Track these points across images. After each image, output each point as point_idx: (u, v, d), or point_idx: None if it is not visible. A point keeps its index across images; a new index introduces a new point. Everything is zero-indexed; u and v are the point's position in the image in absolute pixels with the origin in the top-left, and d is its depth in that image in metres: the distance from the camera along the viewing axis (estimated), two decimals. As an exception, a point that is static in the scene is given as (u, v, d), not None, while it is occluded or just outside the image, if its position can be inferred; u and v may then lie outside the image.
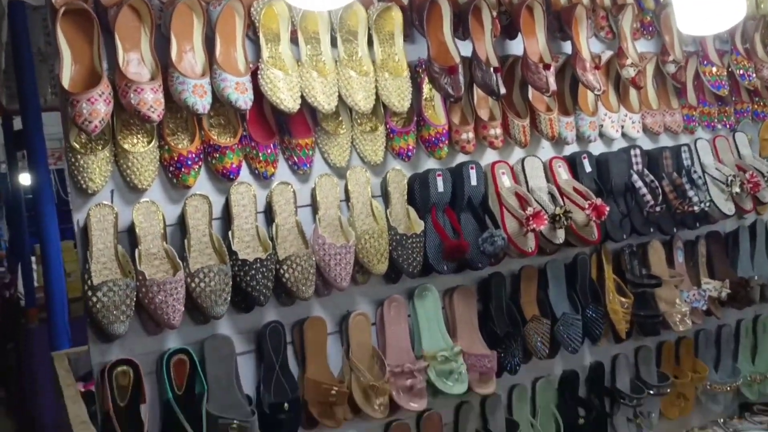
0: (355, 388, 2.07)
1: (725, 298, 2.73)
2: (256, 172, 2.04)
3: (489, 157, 2.41)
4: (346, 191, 2.15)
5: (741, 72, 2.89)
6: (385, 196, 2.21)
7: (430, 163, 2.31)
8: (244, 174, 2.04)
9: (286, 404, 1.95)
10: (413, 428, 2.24)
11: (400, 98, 2.14)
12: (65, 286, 4.77)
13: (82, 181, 1.82)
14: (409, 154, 2.23)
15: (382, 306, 2.21)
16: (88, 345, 1.86)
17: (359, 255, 2.07)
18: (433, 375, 2.17)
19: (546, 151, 2.53)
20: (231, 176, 1.97)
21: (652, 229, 2.60)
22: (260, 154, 2.03)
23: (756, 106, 2.99)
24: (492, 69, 2.21)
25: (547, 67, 2.31)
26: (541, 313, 2.41)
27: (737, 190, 2.70)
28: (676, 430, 2.75)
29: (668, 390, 2.66)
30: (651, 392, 2.62)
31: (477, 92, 2.35)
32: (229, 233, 1.95)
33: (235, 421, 1.85)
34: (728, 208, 2.73)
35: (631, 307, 2.54)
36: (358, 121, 2.19)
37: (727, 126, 2.91)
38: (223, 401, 1.91)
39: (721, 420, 2.83)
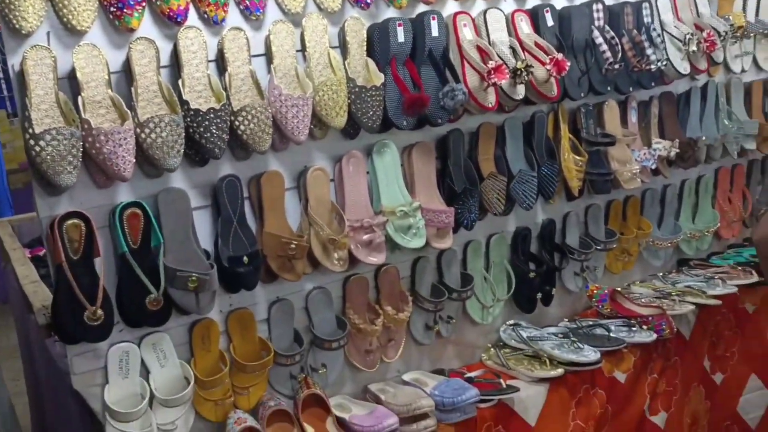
0: (314, 243, 2.06)
1: (674, 157, 2.80)
2: (206, 16, 1.90)
3: (450, 7, 2.31)
4: (302, 40, 2.04)
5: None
6: (343, 46, 2.11)
7: (389, 13, 2.20)
8: (193, 18, 1.90)
9: (245, 257, 1.93)
10: (371, 281, 2.27)
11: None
12: (2, 155, 4.54)
13: (14, 20, 1.66)
14: (368, 1, 2.11)
15: (340, 161, 2.17)
16: (32, 213, 1.77)
17: (317, 107, 2.00)
18: (392, 230, 2.17)
19: (508, 3, 2.43)
20: (178, 19, 1.83)
21: (609, 88, 2.59)
22: (209, -4, 1.88)
23: (717, -36, 2.93)
24: None
25: None
26: (498, 171, 2.41)
27: (694, 48, 2.70)
28: (619, 283, 2.88)
29: (614, 246, 2.76)
30: (598, 248, 2.71)
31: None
32: (179, 81, 1.84)
33: (193, 274, 1.83)
34: (684, 67, 2.73)
35: (584, 165, 2.57)
36: (314, -37, 2.04)
37: (688, -17, 2.85)
38: (180, 255, 1.87)
39: (661, 274, 2.98)
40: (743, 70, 3.08)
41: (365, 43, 2.12)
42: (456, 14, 2.27)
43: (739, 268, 2.92)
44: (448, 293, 2.36)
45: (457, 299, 2.39)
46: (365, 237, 2.13)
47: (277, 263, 2.02)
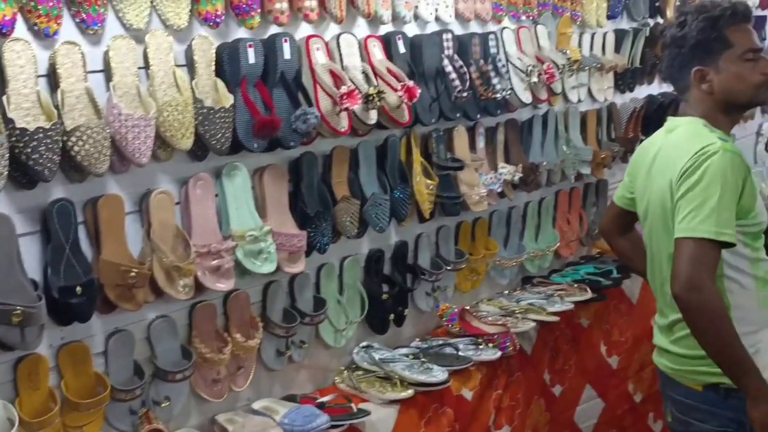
0: (157, 270, 1.96)
1: (518, 181, 2.94)
2: (36, 28, 1.76)
3: (304, 30, 2.29)
4: (146, 57, 1.94)
5: (546, -35, 2.99)
6: (191, 65, 2.03)
7: (240, 33, 2.15)
8: (21, 30, 1.75)
9: (78, 287, 1.80)
10: (220, 308, 2.20)
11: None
12: None
13: None
14: (218, 20, 2.05)
15: (187, 184, 2.08)
16: None
17: (161, 128, 1.90)
18: (241, 254, 2.12)
19: (361, 29, 2.46)
20: (3, 30, 1.68)
21: (458, 114, 2.69)
22: (40, 7, 1.74)
23: (557, 1, 3.13)
24: (309, -67, 2.06)
25: (366, -63, 2.21)
26: (351, 194, 2.42)
27: (535, 79, 2.86)
28: (468, 301, 2.98)
29: (464, 266, 2.86)
30: (448, 268, 2.80)
31: (292, -42, 2.19)
32: (4, 98, 1.69)
33: (18, 308, 1.68)
34: (526, 96, 2.89)
35: (435, 188, 2.64)
36: (159, -23, 1.95)
37: (531, 17, 3.03)
38: (3, 286, 1.71)
39: (506, 291, 3.12)
40: (579, 100, 3.30)
41: (214, 63, 2.05)
42: (309, 38, 2.26)
43: (575, 285, 3.12)
44: (300, 318, 2.33)
45: (309, 323, 2.37)
46: (213, 263, 2.05)
47: (116, 292, 1.90)
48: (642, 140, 3.51)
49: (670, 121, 1.91)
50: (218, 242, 2.08)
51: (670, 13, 3.72)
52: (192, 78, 2.01)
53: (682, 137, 1.80)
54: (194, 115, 1.96)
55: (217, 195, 2.15)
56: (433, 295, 2.79)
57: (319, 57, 2.28)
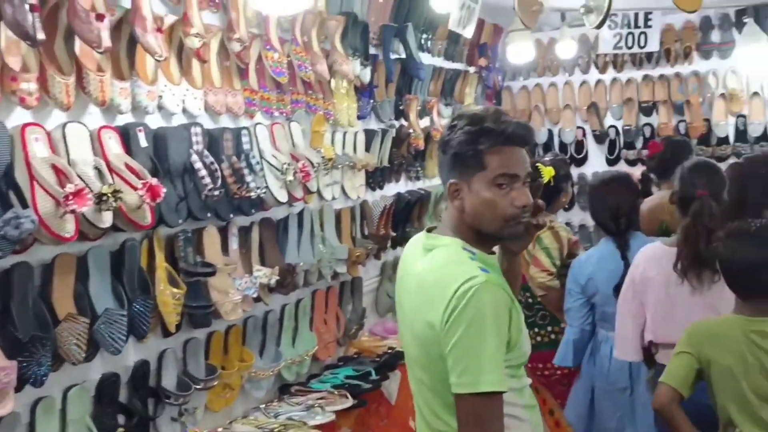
0: None
1: (274, 284, 2.75)
2: None
3: (18, 116, 1.91)
4: None
5: (299, 63, 2.94)
6: None
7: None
8: None
9: None
10: None
11: None
12: None
13: None
14: None
15: None
16: None
17: None
18: None
19: (94, 117, 2.14)
20: None
21: (209, 214, 2.45)
22: None
23: (309, 99, 3.09)
24: (28, 5, 1.74)
25: (100, 17, 1.93)
26: (78, 311, 2.02)
27: (291, 178, 2.74)
28: (221, 421, 2.66)
29: (215, 382, 2.55)
30: (198, 387, 2.47)
31: (5, 33, 1.83)
32: None
33: None
34: (282, 195, 2.75)
35: (182, 297, 2.34)
36: None
37: (284, 114, 2.94)
38: None
39: (263, 405, 2.86)
40: (334, 198, 3.26)
41: None
42: (25, 126, 1.88)
43: (336, 392, 2.96)
44: (5, 473, 1.83)
45: (18, 478, 1.88)
46: None
47: None
48: (393, 237, 3.64)
49: (428, 238, 1.68)
50: None
51: (413, 116, 3.93)
52: None
53: (441, 264, 1.59)
54: None
55: None
56: (180, 420, 2.43)
57: (39, 149, 1.91)
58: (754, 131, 4.88)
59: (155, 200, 2.11)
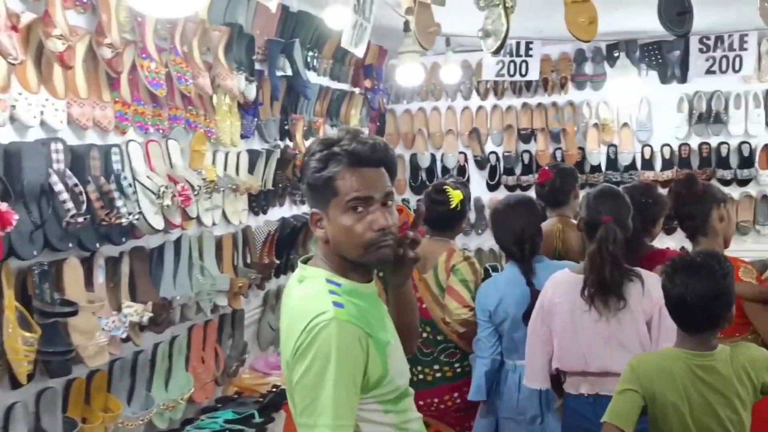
0: None
1: (146, 322, 2.44)
2: None
3: None
4: None
5: (178, 74, 2.67)
6: None
7: None
8: None
9: None
10: None
11: None
12: None
13: None
14: None
15: None
16: None
17: None
18: None
19: (-73, 129, 1.77)
20: None
21: (71, 244, 2.13)
22: None
23: (189, 115, 2.82)
24: None
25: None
26: None
27: (168, 202, 2.46)
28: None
29: (74, 439, 2.20)
30: (53, 445, 2.11)
31: None
32: None
33: None
34: (157, 221, 2.46)
35: (36, 342, 1.99)
36: None
37: (161, 131, 2.64)
38: None
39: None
40: (214, 224, 2.99)
41: None
42: None
43: (217, 440, 2.68)
44: None
45: None
46: None
47: None
48: (277, 264, 3.40)
49: (302, 269, 1.62)
50: None
51: (299, 136, 3.73)
52: None
53: (301, 297, 1.56)
54: None
55: None
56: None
57: None
58: (624, 160, 5.10)
59: (5, 228, 1.78)
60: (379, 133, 5.30)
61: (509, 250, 2.79)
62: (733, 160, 4.93)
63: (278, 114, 3.58)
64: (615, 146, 5.13)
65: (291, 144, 3.66)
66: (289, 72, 3.57)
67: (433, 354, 2.93)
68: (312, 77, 3.93)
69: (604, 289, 2.32)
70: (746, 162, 4.89)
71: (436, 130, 5.46)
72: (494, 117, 5.36)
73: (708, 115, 4.93)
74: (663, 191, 2.88)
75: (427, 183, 5.14)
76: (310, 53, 3.90)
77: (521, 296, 2.68)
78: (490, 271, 3.15)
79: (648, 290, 2.29)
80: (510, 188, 5.27)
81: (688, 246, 2.78)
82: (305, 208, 3.92)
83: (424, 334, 2.88)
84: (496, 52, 2.62)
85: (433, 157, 5.48)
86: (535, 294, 2.60)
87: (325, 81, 4.16)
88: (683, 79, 4.89)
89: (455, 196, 2.87)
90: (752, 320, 2.41)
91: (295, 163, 3.63)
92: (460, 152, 5.43)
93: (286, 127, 3.64)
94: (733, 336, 2.34)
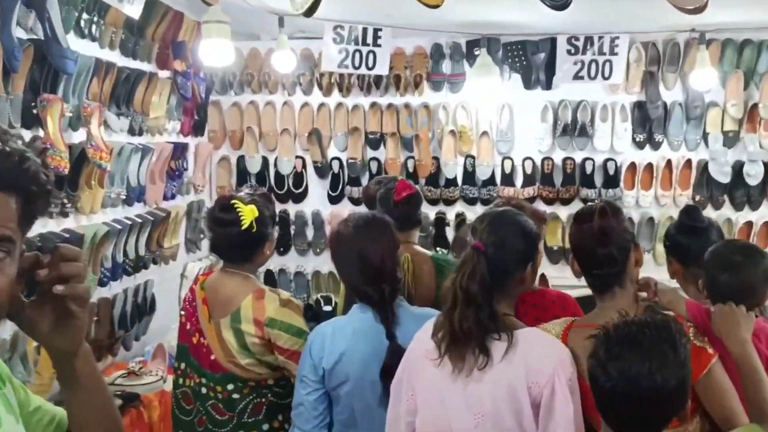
0: None
1: None
2: None
3: None
4: None
5: None
6: None
7: None
8: None
9: None
10: None
11: None
12: None
13: None
14: None
15: None
16: None
17: None
18: None
19: None
20: None
21: None
22: None
23: None
24: None
25: None
26: None
27: None
28: None
29: None
30: None
31: None
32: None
33: None
34: None
35: None
36: None
37: None
38: None
39: None
40: None
41: None
42: None
43: None
44: None
45: None
46: None
47: None
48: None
49: None
50: None
51: (52, 125, 2.72)
52: None
53: None
54: None
55: None
56: None
57: None
58: (483, 174, 4.48)
59: None
60: (198, 129, 4.36)
61: (361, 292, 1.99)
62: (598, 179, 4.46)
63: (20, 91, 2.56)
64: (473, 157, 4.48)
65: (41, 135, 2.65)
66: (41, 35, 2.57)
67: (233, 420, 2.11)
68: (88, 48, 2.95)
69: (454, 337, 1.65)
70: (611, 181, 4.42)
71: (269, 129, 4.58)
72: (338, 117, 4.56)
73: (573, 126, 4.42)
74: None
75: (255, 192, 4.24)
76: (86, 15, 2.91)
77: (372, 352, 1.92)
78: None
79: (522, 356, 1.62)
80: (354, 201, 4.50)
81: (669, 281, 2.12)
82: (70, 223, 2.92)
83: (214, 396, 2.05)
84: (308, 14, 1.81)
85: (265, 160, 4.60)
86: (397, 351, 1.87)
87: (112, 55, 3.18)
88: (548, 85, 4.35)
89: (247, 212, 2.05)
90: (705, 402, 1.72)
91: (45, 162, 2.62)
92: (297, 156, 4.59)
93: (35, 111, 2.63)
94: (676, 427, 1.63)
